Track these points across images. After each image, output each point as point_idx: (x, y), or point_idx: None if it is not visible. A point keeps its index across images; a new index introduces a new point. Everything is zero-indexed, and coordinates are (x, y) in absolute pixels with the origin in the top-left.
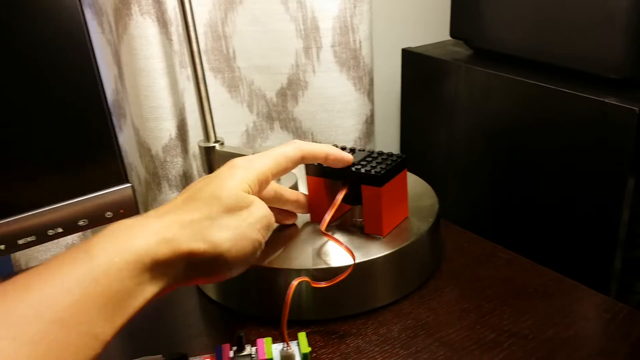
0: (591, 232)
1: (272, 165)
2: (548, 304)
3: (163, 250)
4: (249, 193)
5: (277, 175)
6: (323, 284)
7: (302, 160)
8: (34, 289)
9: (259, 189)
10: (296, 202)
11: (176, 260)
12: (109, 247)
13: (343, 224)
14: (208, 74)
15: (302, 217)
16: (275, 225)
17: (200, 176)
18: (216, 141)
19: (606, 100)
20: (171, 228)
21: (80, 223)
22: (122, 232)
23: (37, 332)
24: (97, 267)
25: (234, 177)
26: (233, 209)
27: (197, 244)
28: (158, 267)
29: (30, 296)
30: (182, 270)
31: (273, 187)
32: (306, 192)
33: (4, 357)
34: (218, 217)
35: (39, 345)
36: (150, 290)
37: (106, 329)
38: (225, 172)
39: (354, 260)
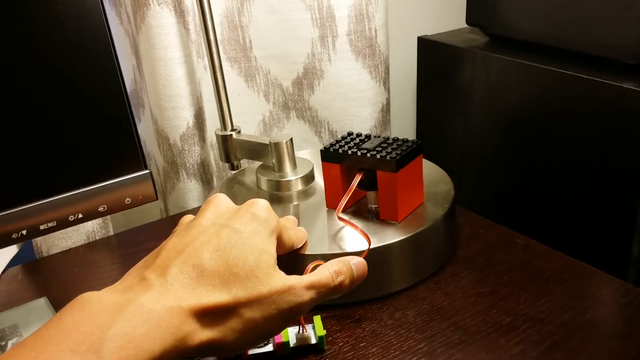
0: (609, 219)
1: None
2: (564, 289)
3: (178, 348)
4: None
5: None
6: None
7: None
8: None
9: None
10: (291, 247)
11: (185, 353)
12: (122, 349)
13: (359, 210)
14: (225, 63)
15: (318, 202)
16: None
17: (216, 165)
18: (233, 130)
19: (624, 86)
20: (189, 321)
21: (100, 209)
22: (139, 329)
23: None
24: None
25: (265, 248)
26: (263, 298)
27: (208, 335)
28: None
29: None
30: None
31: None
32: (322, 181)
33: None
34: (241, 307)
35: None
36: None
37: None
38: (254, 240)
39: (370, 244)
